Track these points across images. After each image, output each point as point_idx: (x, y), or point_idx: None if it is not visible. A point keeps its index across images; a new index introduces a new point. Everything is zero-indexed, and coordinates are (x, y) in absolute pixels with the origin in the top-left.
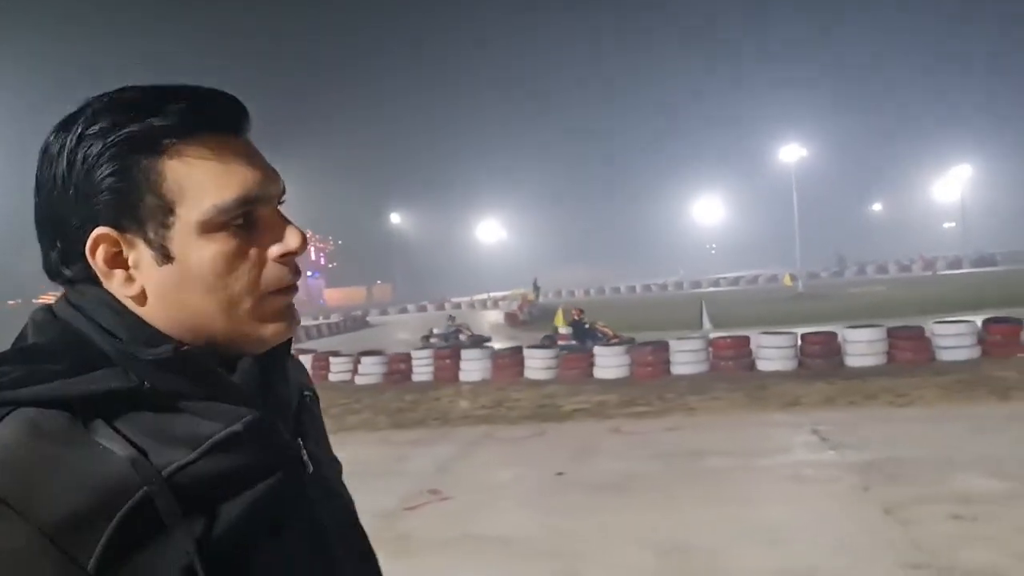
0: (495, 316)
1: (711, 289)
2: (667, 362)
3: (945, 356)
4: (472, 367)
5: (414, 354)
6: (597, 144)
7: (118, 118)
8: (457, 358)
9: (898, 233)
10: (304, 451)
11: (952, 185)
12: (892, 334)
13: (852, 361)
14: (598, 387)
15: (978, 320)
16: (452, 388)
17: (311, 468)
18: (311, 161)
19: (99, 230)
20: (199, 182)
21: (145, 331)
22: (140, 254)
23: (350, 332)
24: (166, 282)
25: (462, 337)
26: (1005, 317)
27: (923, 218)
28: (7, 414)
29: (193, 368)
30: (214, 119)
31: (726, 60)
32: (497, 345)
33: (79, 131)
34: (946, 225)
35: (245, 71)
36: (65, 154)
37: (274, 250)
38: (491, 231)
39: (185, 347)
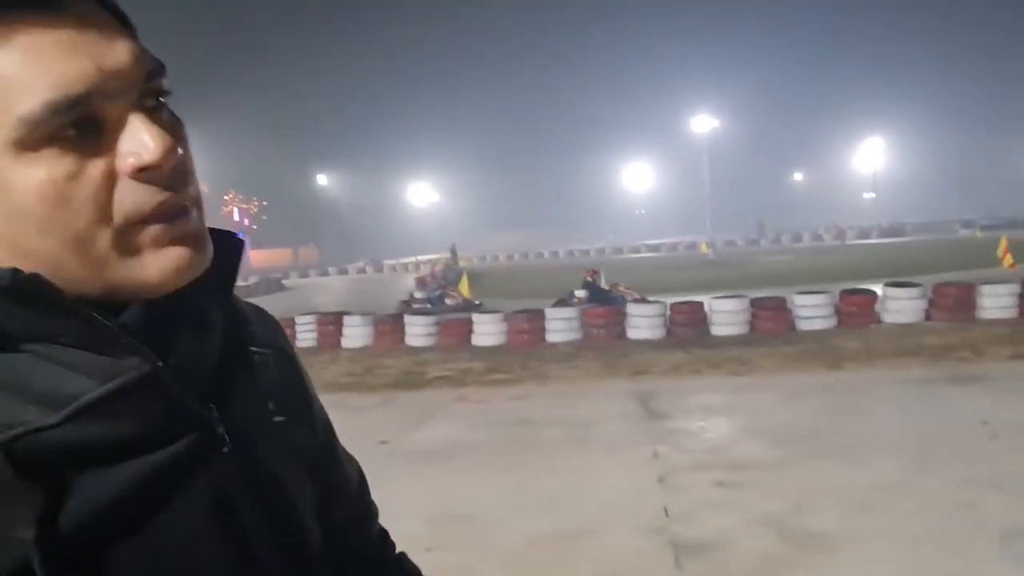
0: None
1: (632, 256)
2: (542, 330)
3: (804, 326)
4: (354, 333)
5: (297, 320)
6: (531, 109)
7: None
8: (340, 324)
9: (819, 202)
10: (218, 421)
11: (871, 156)
12: (755, 304)
13: (717, 330)
14: (471, 354)
15: (835, 291)
16: (331, 355)
17: (228, 444)
18: (234, 117)
19: None
20: (4, 87)
21: None
22: None
23: (262, 296)
24: None
25: (449, 301)
26: (861, 288)
27: (843, 188)
28: None
29: (44, 301)
30: None
31: (653, 29)
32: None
33: None
34: (866, 195)
35: (166, 18)
36: None
37: (128, 164)
38: (423, 194)
39: (31, 272)
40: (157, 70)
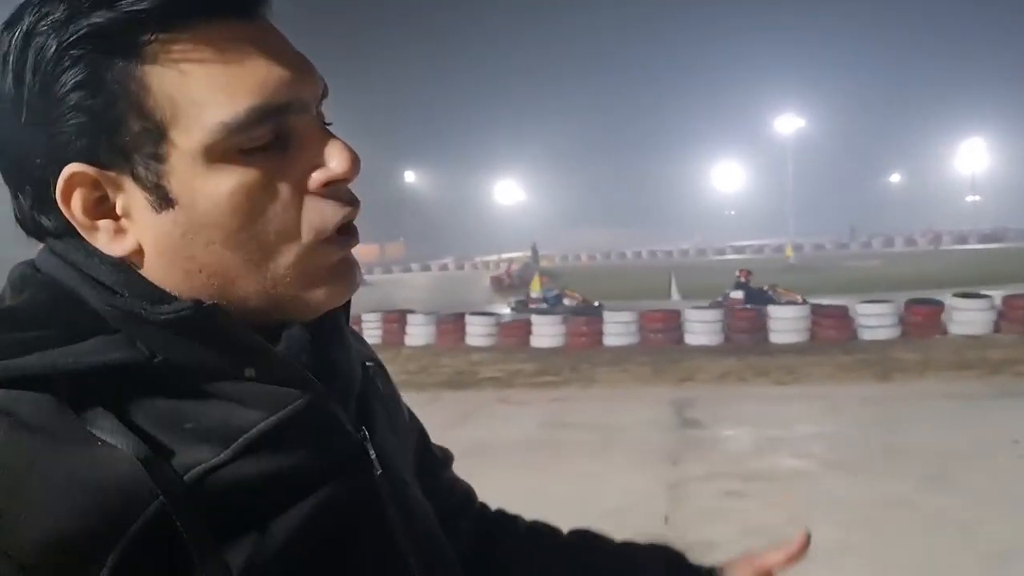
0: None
1: (716, 258)
2: (600, 332)
3: (866, 335)
4: (416, 332)
5: (364, 317)
6: (618, 107)
7: (76, 3)
8: (404, 322)
9: (917, 205)
10: (370, 444)
11: (972, 157)
12: (816, 311)
13: (776, 337)
14: (528, 355)
15: (900, 300)
16: (393, 352)
17: (378, 468)
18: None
19: (70, 168)
20: (199, 91)
21: (153, 288)
22: (130, 198)
23: None
24: (169, 234)
25: (567, 302)
26: (927, 298)
27: (944, 190)
28: None
29: (222, 334)
30: (214, 1)
31: (742, 25)
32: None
33: (26, 26)
34: (968, 198)
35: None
36: (11, 61)
37: (315, 178)
38: (509, 192)
39: (211, 303)
40: (326, 90)
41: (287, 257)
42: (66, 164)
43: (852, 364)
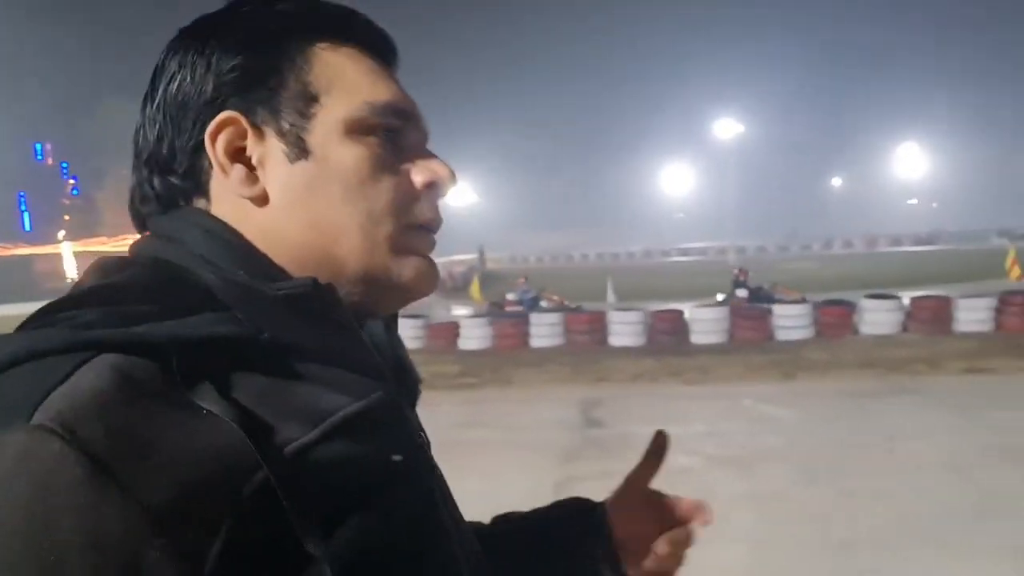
0: None
1: (662, 260)
2: (527, 334)
3: (782, 336)
4: None
5: None
6: (570, 112)
7: (277, 3)
8: None
9: (858, 209)
10: (429, 444)
11: (912, 162)
12: (734, 313)
13: (697, 338)
14: (455, 357)
15: (813, 302)
16: None
17: (438, 468)
18: None
19: (226, 113)
20: (351, 78)
21: (264, 263)
22: (268, 149)
23: None
24: (297, 183)
25: (544, 303)
26: (840, 300)
27: (884, 194)
28: (86, 360)
29: (329, 314)
30: (373, 40)
31: (687, 35)
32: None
33: (224, 14)
34: (909, 202)
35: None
36: (204, 31)
37: (419, 178)
38: (462, 194)
39: (326, 283)
40: (429, 133)
41: (387, 226)
42: (223, 111)
43: (763, 364)
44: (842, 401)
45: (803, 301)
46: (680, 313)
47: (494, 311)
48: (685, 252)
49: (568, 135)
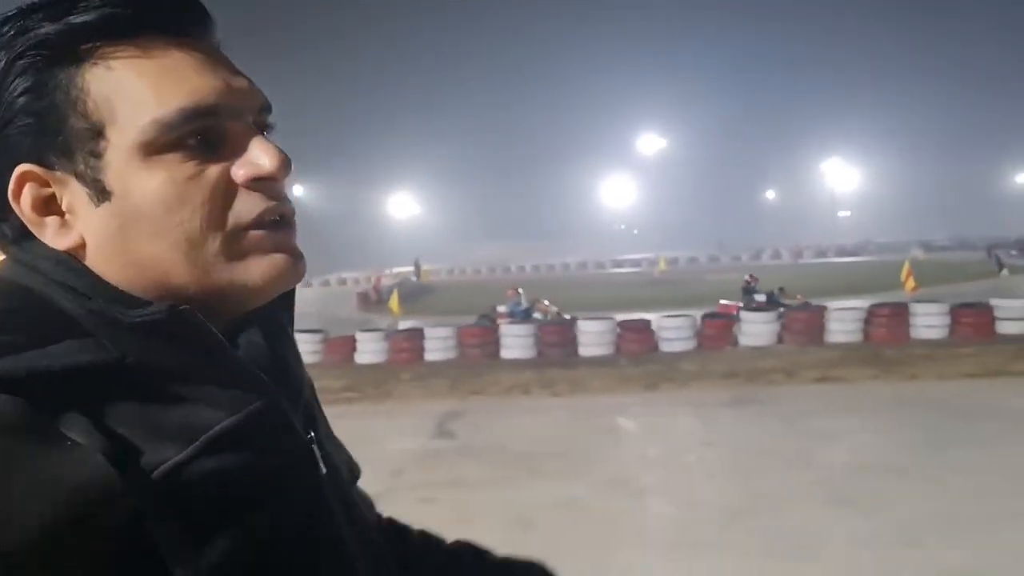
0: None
1: (596, 271)
2: (421, 348)
3: (666, 347)
4: None
5: None
6: (511, 124)
7: (28, 21)
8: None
9: (794, 220)
10: (316, 447)
11: (841, 175)
12: (621, 326)
13: (584, 351)
14: (344, 372)
15: (698, 314)
16: None
17: (323, 469)
18: None
19: (20, 168)
20: (134, 93)
21: (122, 292)
22: (73, 194)
23: None
24: (107, 226)
25: (537, 315)
26: (719, 312)
27: (818, 207)
28: None
29: (192, 336)
30: (154, 17)
31: (625, 50)
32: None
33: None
34: (841, 214)
35: None
36: None
37: (242, 173)
38: (403, 205)
39: (183, 307)
40: (267, 105)
41: (213, 245)
42: (17, 164)
43: (635, 375)
44: (681, 410)
45: (807, 305)
46: (569, 326)
47: (485, 323)
48: (619, 264)
49: (512, 147)
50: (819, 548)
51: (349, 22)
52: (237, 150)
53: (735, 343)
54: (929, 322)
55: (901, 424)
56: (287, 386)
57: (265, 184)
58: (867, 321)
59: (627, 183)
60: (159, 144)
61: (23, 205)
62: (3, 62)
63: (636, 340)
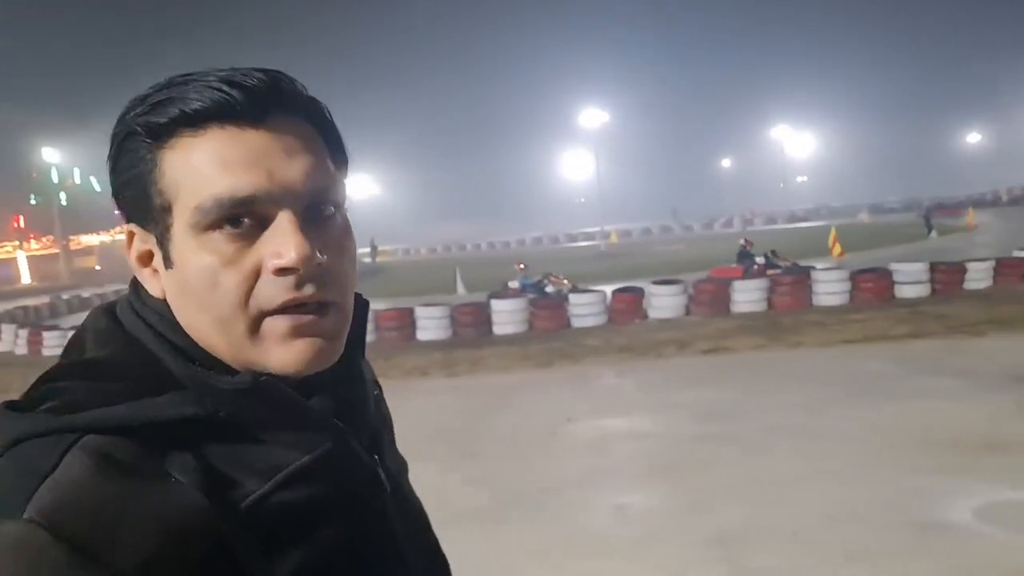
0: None
1: (550, 246)
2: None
3: (577, 324)
4: None
5: None
6: (469, 102)
7: (142, 104)
8: None
9: (752, 187)
10: (381, 469)
11: (796, 141)
12: (533, 304)
13: (499, 329)
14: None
15: (609, 289)
16: None
17: (388, 487)
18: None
19: (129, 226)
20: (190, 179)
21: (208, 355)
22: (156, 256)
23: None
24: (172, 288)
25: (549, 289)
26: (631, 286)
27: (775, 173)
28: (73, 443)
29: (273, 397)
30: (230, 107)
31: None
32: None
33: (121, 113)
34: (799, 179)
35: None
36: (111, 137)
37: (269, 265)
38: (364, 187)
39: (264, 377)
40: (318, 193)
41: (239, 327)
42: (129, 223)
43: (536, 353)
44: (558, 387)
45: (795, 267)
46: (483, 305)
47: (497, 297)
48: (574, 238)
49: (467, 128)
50: (620, 517)
51: (301, 10)
52: (273, 237)
53: (645, 316)
54: (830, 289)
55: (748, 392)
56: (354, 422)
57: (290, 274)
58: (771, 290)
59: (584, 158)
60: (201, 226)
61: (131, 255)
62: (121, 135)
63: (548, 317)
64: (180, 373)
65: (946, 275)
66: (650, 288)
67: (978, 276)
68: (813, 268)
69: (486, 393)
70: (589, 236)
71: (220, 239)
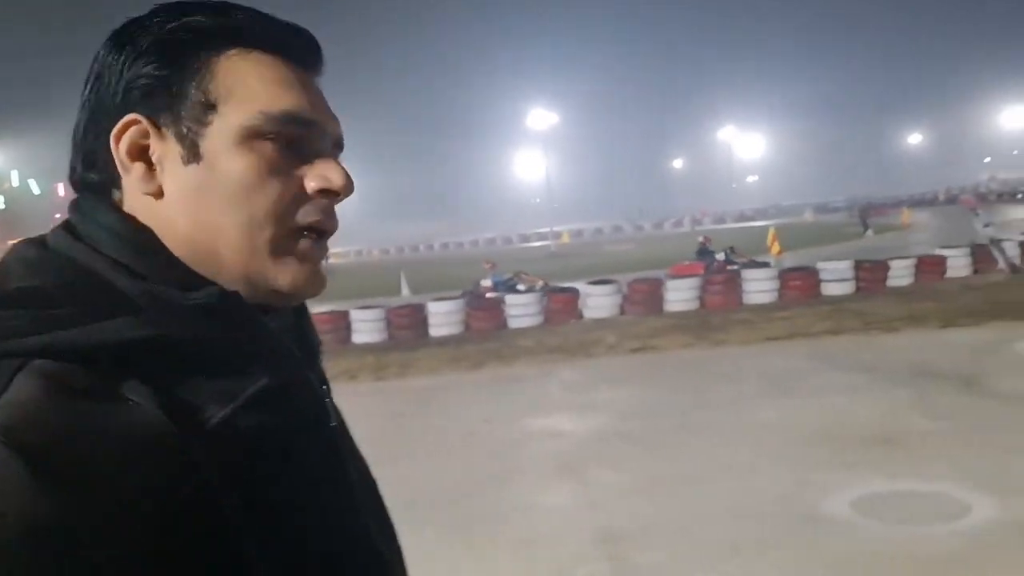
0: None
1: (503, 247)
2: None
3: (514, 324)
4: None
5: None
6: (427, 103)
7: (187, 13)
8: None
9: (703, 188)
10: (329, 401)
11: (745, 142)
12: (469, 305)
13: (435, 331)
14: None
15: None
16: None
17: (334, 420)
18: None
19: (130, 115)
20: (251, 88)
21: (174, 268)
22: (167, 149)
23: None
24: (188, 184)
25: (521, 287)
26: (567, 287)
27: (726, 173)
28: (18, 368)
29: (238, 317)
30: (286, 44)
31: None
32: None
33: (143, 21)
34: (749, 179)
35: None
36: (124, 37)
37: (312, 183)
38: None
39: (233, 292)
40: (342, 140)
41: (269, 230)
42: (128, 113)
43: (468, 354)
44: (484, 388)
45: (752, 263)
46: (419, 307)
47: (468, 298)
48: (527, 238)
49: (423, 126)
50: (516, 517)
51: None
52: (316, 163)
53: (580, 317)
54: (760, 287)
55: (668, 391)
56: (307, 351)
57: (329, 199)
58: (703, 289)
59: (537, 158)
60: (256, 132)
61: (121, 146)
62: (153, 34)
63: (484, 318)
64: (135, 292)
65: (870, 273)
66: (585, 288)
67: (900, 273)
68: (768, 265)
69: (410, 396)
70: (542, 236)
71: (271, 148)
